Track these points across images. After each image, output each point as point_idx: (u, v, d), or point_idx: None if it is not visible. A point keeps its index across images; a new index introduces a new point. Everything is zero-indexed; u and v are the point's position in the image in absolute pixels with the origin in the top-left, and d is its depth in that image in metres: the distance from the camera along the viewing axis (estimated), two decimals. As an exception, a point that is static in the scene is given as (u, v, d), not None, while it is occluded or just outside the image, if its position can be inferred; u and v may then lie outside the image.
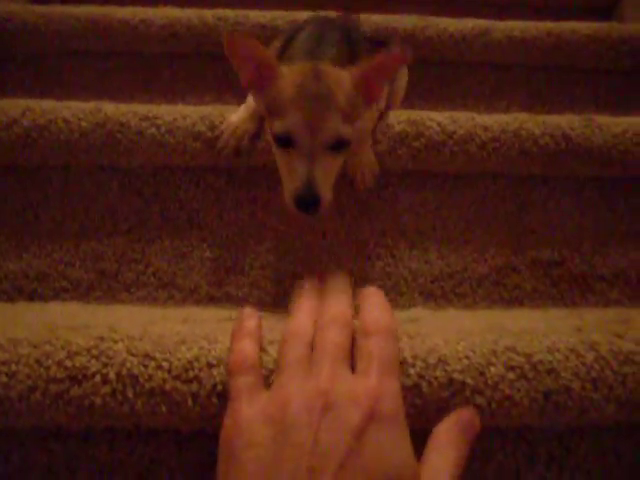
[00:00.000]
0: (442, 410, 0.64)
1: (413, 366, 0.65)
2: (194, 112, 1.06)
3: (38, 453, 0.68)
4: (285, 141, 0.86)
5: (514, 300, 1.07)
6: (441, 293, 1.07)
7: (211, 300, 1.04)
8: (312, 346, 0.64)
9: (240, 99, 1.10)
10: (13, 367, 0.64)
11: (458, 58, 1.55)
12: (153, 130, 1.04)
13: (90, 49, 1.54)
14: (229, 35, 0.86)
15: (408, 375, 0.65)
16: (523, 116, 1.10)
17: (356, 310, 0.70)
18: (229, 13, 1.53)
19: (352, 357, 0.64)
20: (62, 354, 0.64)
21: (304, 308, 0.69)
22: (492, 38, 1.55)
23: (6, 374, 0.63)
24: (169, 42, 1.52)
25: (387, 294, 1.02)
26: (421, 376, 0.65)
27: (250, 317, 0.69)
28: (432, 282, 1.07)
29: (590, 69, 1.60)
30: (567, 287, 1.09)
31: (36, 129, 1.03)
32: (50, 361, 0.64)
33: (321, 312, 0.67)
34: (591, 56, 1.57)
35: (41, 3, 1.74)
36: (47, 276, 1.05)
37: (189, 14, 1.53)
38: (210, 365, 0.64)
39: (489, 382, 0.65)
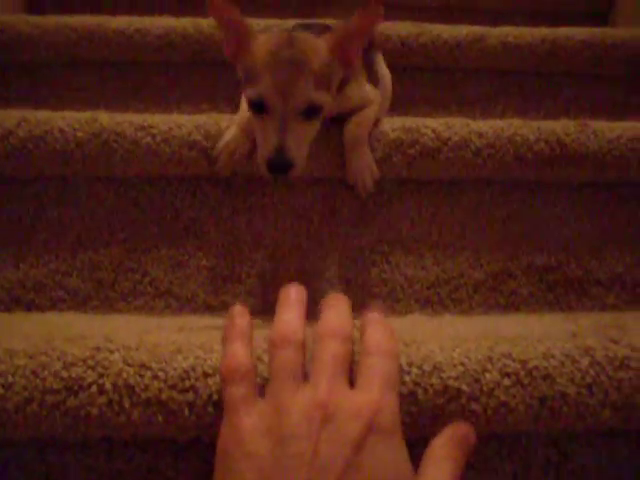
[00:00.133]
0: (438, 417, 0.64)
1: (408, 373, 0.65)
2: (189, 121, 1.06)
3: (35, 464, 0.68)
4: (258, 107, 0.89)
5: (510, 305, 1.08)
6: (437, 299, 1.07)
7: (208, 309, 1.04)
8: (304, 347, 0.63)
9: (235, 108, 1.10)
10: (9, 378, 0.64)
11: (453, 64, 1.56)
12: (149, 140, 1.04)
13: (85, 59, 1.55)
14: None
15: (404, 383, 0.65)
16: (518, 122, 1.10)
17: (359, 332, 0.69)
18: (224, 22, 1.53)
19: (352, 373, 0.63)
20: (58, 365, 0.64)
21: (293, 308, 0.67)
22: (487, 44, 1.56)
23: (2, 385, 0.63)
24: (164, 51, 1.53)
25: (383, 301, 1.04)
26: (417, 383, 0.65)
27: (241, 315, 0.68)
28: (428, 288, 1.07)
29: (585, 74, 1.60)
30: (563, 292, 1.09)
31: (32, 140, 1.04)
32: (46, 372, 0.64)
33: (320, 322, 0.66)
34: (585, 62, 1.58)
35: (36, 13, 1.74)
36: (44, 286, 1.05)
37: (184, 23, 1.53)
38: (206, 375, 0.64)
39: (484, 389, 0.65)
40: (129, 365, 0.65)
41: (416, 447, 0.60)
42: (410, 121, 1.08)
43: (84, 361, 0.65)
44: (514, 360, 0.67)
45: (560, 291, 1.09)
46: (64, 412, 0.63)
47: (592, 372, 0.67)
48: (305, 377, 0.61)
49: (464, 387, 0.65)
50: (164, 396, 0.63)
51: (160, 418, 0.63)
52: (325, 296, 0.71)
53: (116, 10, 1.68)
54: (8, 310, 1.03)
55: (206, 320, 0.99)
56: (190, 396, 0.64)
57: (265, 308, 1.04)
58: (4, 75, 1.52)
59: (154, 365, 0.65)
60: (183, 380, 0.64)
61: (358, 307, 1.01)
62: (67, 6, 1.84)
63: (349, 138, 1.04)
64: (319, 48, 0.93)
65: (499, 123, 1.10)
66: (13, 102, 1.50)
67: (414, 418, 0.65)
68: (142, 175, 1.07)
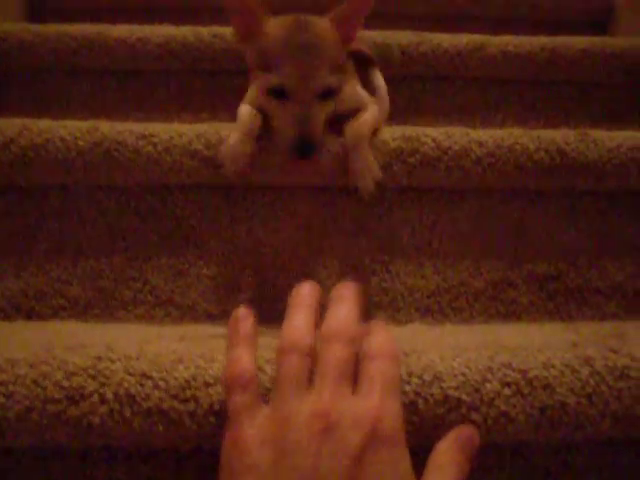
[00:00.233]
0: (438, 427, 0.65)
1: (409, 383, 0.66)
2: (190, 130, 1.06)
3: (36, 473, 0.68)
4: (278, 93, 0.94)
5: (511, 314, 1.08)
6: (438, 308, 1.07)
7: (209, 317, 1.04)
8: (311, 356, 0.62)
9: (234, 116, 1.10)
10: (10, 387, 0.64)
11: (453, 73, 1.56)
12: (150, 148, 1.04)
13: (86, 67, 1.55)
14: None
15: (404, 393, 0.65)
16: (518, 131, 1.11)
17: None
18: (225, 30, 1.53)
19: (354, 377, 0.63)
20: (59, 374, 0.65)
21: (303, 312, 0.66)
22: (487, 53, 1.56)
23: (3, 395, 0.63)
24: (165, 59, 1.53)
25: (384, 310, 1.04)
26: (417, 393, 0.65)
27: (245, 318, 0.68)
28: (428, 297, 1.07)
29: (584, 83, 1.60)
30: (563, 301, 1.09)
31: (33, 148, 1.04)
32: (47, 381, 0.64)
33: (326, 322, 0.66)
34: (585, 70, 1.58)
35: (37, 22, 1.75)
36: (45, 294, 1.05)
37: (185, 32, 1.53)
38: (207, 384, 0.65)
39: (485, 398, 0.65)
40: (130, 374, 0.65)
41: (418, 455, 0.60)
42: (410, 130, 1.09)
43: (85, 370, 0.65)
44: (514, 370, 0.67)
45: (560, 300, 1.09)
46: (65, 421, 0.63)
47: (592, 382, 0.67)
48: (311, 380, 0.61)
49: (464, 397, 0.65)
50: (165, 406, 0.64)
51: (161, 428, 0.64)
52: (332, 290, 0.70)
53: (116, 19, 1.68)
54: (9, 318, 1.03)
55: (207, 329, 0.99)
56: (191, 406, 0.64)
57: (266, 316, 1.03)
58: (6, 82, 1.53)
59: (155, 374, 0.65)
60: (184, 390, 0.64)
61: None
62: (68, 15, 1.85)
63: (350, 137, 1.03)
64: (329, 31, 0.97)
65: (499, 132, 1.10)
66: (15, 109, 1.50)
67: (415, 427, 0.65)
68: (143, 184, 1.07)
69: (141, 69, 1.54)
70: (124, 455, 0.68)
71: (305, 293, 0.69)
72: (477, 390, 0.66)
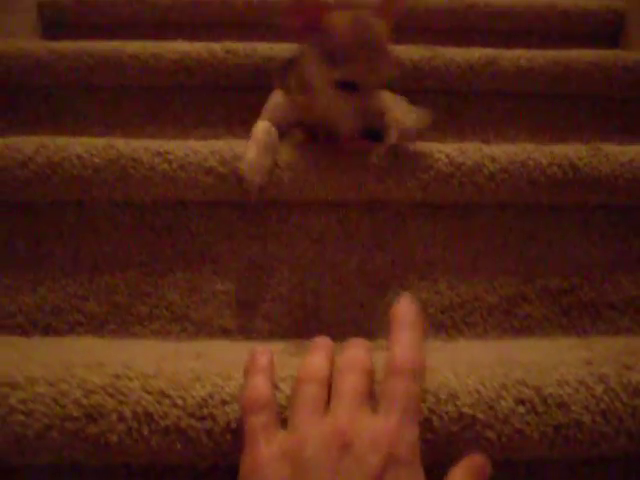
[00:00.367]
0: (453, 444, 0.65)
1: (424, 401, 0.66)
2: (205, 147, 1.07)
3: (55, 489, 0.69)
4: (346, 85, 0.98)
5: (524, 329, 1.08)
6: (451, 323, 1.07)
7: (224, 333, 1.05)
8: (327, 387, 0.63)
9: (249, 130, 1.11)
10: (30, 405, 0.65)
11: (466, 87, 1.57)
12: (165, 166, 1.05)
13: (101, 83, 1.56)
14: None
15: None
16: (530, 146, 1.11)
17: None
18: (238, 46, 1.54)
19: (374, 396, 0.63)
20: (78, 392, 0.65)
21: (320, 351, 0.68)
22: (499, 67, 1.56)
23: (23, 412, 0.64)
24: (179, 75, 1.54)
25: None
26: (432, 411, 0.66)
27: (263, 354, 0.69)
28: (442, 312, 1.08)
29: (597, 96, 1.61)
30: (577, 315, 1.09)
31: (50, 166, 1.05)
32: (66, 399, 0.65)
33: (341, 357, 0.66)
34: (597, 84, 1.58)
35: (53, 39, 1.77)
36: (61, 309, 1.06)
37: (198, 48, 1.54)
38: (224, 402, 0.65)
39: (499, 416, 0.66)
40: (148, 393, 0.65)
41: (432, 472, 0.60)
42: (423, 146, 1.09)
43: (104, 388, 0.66)
44: (529, 387, 0.67)
45: (574, 314, 1.09)
46: (84, 439, 0.64)
47: (606, 399, 0.67)
48: (327, 408, 0.61)
49: (479, 414, 0.66)
50: (183, 424, 0.64)
51: (179, 445, 0.64)
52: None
53: (131, 35, 1.70)
54: (26, 334, 1.04)
55: (223, 344, 0.99)
56: (208, 423, 0.64)
57: (280, 332, 1.05)
58: (23, 99, 1.54)
59: (173, 393, 0.65)
60: (201, 408, 0.65)
61: (372, 331, 1.03)
62: (81, 30, 1.87)
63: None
64: (382, 27, 1.02)
65: (512, 147, 1.11)
66: (32, 126, 1.52)
67: (430, 445, 0.65)
68: (158, 200, 1.08)
69: (155, 85, 1.55)
70: (142, 472, 0.69)
71: (320, 340, 0.71)
72: (492, 407, 0.66)
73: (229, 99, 1.55)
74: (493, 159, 1.08)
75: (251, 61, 1.53)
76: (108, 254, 1.08)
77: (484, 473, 0.62)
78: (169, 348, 0.93)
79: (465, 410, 0.66)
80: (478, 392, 0.67)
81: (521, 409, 0.66)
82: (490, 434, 0.65)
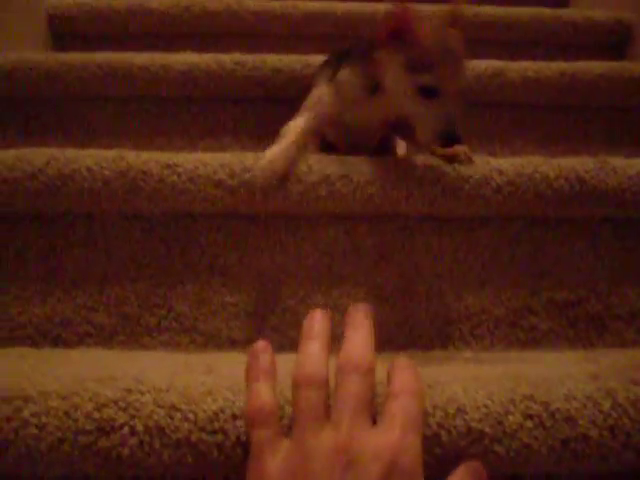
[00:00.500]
0: (461, 459, 0.65)
1: (433, 416, 0.66)
2: (214, 159, 1.08)
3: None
4: (429, 91, 1.02)
5: (531, 341, 1.09)
6: (459, 335, 1.08)
7: (233, 344, 1.05)
8: (327, 386, 0.63)
9: (257, 141, 1.12)
10: (43, 419, 0.65)
11: (473, 99, 1.57)
12: (174, 178, 1.06)
13: (110, 94, 1.58)
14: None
15: (428, 425, 0.66)
16: (538, 159, 1.12)
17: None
18: (247, 57, 1.56)
19: (374, 407, 0.64)
20: (90, 406, 0.66)
21: (315, 344, 0.67)
22: (506, 79, 1.57)
23: (36, 426, 0.65)
24: (188, 86, 1.56)
25: (406, 338, 1.05)
26: (440, 425, 0.66)
27: (263, 352, 0.69)
28: (449, 324, 1.08)
29: (604, 107, 1.62)
30: (583, 327, 1.10)
31: (60, 178, 1.06)
32: (79, 413, 0.65)
33: (342, 351, 0.66)
34: (604, 95, 1.59)
35: (63, 50, 1.78)
36: (71, 321, 1.07)
37: (207, 59, 1.56)
38: (235, 417, 0.66)
39: (507, 430, 0.66)
40: (160, 407, 0.66)
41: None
42: (431, 159, 1.10)
43: (115, 402, 0.66)
44: (536, 402, 0.68)
45: (580, 326, 1.10)
46: (96, 452, 0.64)
47: (614, 414, 0.67)
48: (328, 412, 0.62)
49: (487, 429, 0.66)
50: (194, 437, 0.65)
51: (190, 459, 0.65)
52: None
53: (140, 46, 1.71)
54: (36, 345, 1.05)
55: (233, 356, 1.00)
56: (219, 437, 0.65)
57: (289, 344, 1.05)
58: (32, 110, 1.55)
59: (184, 407, 0.66)
60: (212, 422, 0.65)
61: (382, 344, 1.03)
62: (91, 42, 1.89)
63: None
64: (459, 37, 1.06)
65: (519, 160, 1.11)
66: (41, 136, 1.53)
67: (438, 460, 0.65)
68: (168, 212, 1.09)
69: (164, 96, 1.57)
70: (153, 485, 0.70)
71: (316, 323, 0.70)
72: (500, 422, 0.66)
73: (237, 110, 1.56)
74: (500, 172, 1.09)
75: (260, 73, 1.54)
76: (117, 266, 1.08)
77: (482, 475, 0.62)
78: (179, 361, 0.93)
79: (473, 425, 0.66)
80: (486, 407, 0.67)
81: (529, 424, 0.66)
82: (498, 448, 0.66)
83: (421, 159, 1.10)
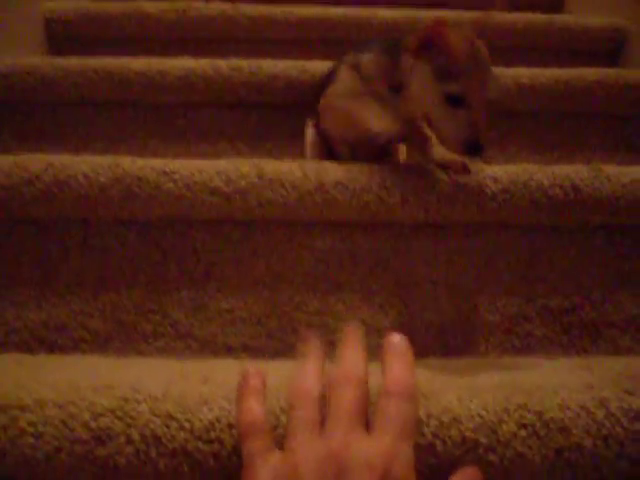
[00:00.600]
0: (455, 468, 0.66)
1: (428, 425, 0.67)
2: (210, 166, 1.08)
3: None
4: (455, 100, 1.02)
5: (525, 348, 1.09)
6: (453, 341, 1.08)
7: (228, 351, 1.06)
8: (321, 402, 0.64)
9: (253, 147, 1.13)
10: (40, 428, 0.65)
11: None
12: (170, 185, 1.06)
13: (106, 99, 1.57)
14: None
15: (423, 434, 0.66)
16: (532, 167, 1.12)
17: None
18: (243, 63, 1.56)
19: (368, 413, 0.64)
20: (87, 415, 0.66)
21: (310, 361, 0.68)
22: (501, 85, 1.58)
23: (33, 435, 0.65)
24: (184, 92, 1.56)
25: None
26: (435, 435, 0.66)
27: (255, 376, 0.69)
28: (444, 331, 1.08)
29: (598, 114, 1.62)
30: (578, 334, 1.10)
31: (56, 184, 1.06)
32: (75, 422, 0.66)
33: (336, 366, 0.67)
34: (598, 102, 1.60)
35: (60, 54, 1.78)
36: (66, 326, 1.07)
37: (203, 64, 1.56)
38: (230, 426, 0.66)
39: (501, 440, 0.66)
40: (156, 416, 0.66)
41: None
42: (426, 167, 1.11)
43: (112, 411, 0.66)
44: (530, 411, 0.68)
45: (575, 333, 1.10)
46: (92, 461, 0.65)
47: (608, 424, 0.68)
48: (321, 425, 0.62)
49: (482, 438, 0.66)
50: (190, 446, 0.65)
51: (186, 468, 0.65)
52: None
53: (137, 51, 1.72)
54: (31, 351, 1.05)
55: (228, 364, 1.00)
56: (215, 447, 0.65)
57: (285, 350, 1.06)
58: (29, 115, 1.55)
59: (180, 416, 0.66)
60: (208, 431, 0.66)
61: (377, 350, 1.03)
62: (88, 46, 1.89)
63: None
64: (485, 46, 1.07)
65: (513, 168, 1.12)
66: (36, 141, 1.53)
67: (433, 469, 0.66)
68: (164, 219, 1.09)
69: (161, 101, 1.57)
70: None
71: (311, 343, 0.71)
72: (494, 431, 0.67)
73: (234, 116, 1.56)
74: (495, 180, 1.09)
75: (256, 78, 1.54)
76: (113, 272, 1.09)
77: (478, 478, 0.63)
78: (175, 368, 0.93)
79: (468, 434, 0.67)
80: (481, 416, 0.68)
81: (523, 433, 0.67)
82: (492, 458, 0.66)
83: (417, 166, 1.11)
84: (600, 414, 0.68)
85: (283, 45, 1.97)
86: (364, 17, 1.97)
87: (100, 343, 1.06)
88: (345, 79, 1.22)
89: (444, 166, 1.12)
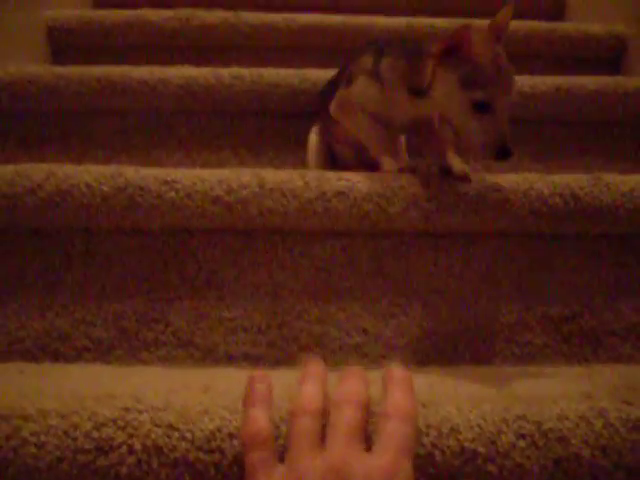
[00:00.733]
0: (454, 478, 0.66)
1: (427, 435, 0.67)
2: (212, 176, 1.09)
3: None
4: (482, 106, 1.04)
5: (525, 356, 1.09)
6: (453, 350, 1.09)
7: (229, 360, 1.06)
8: (322, 417, 0.65)
9: (255, 155, 1.13)
10: (42, 438, 0.66)
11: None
12: (172, 194, 1.07)
13: (108, 107, 1.58)
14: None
15: (422, 444, 0.66)
16: (533, 176, 1.13)
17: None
18: (244, 72, 1.57)
19: (368, 435, 0.65)
20: (89, 425, 0.67)
21: (312, 380, 0.69)
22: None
23: (35, 445, 0.65)
24: (186, 100, 1.56)
25: (401, 353, 1.06)
26: (434, 445, 0.67)
27: (261, 381, 0.70)
28: (444, 339, 1.09)
29: (599, 122, 1.62)
30: (578, 343, 1.10)
31: (59, 194, 1.07)
32: (78, 432, 0.66)
33: (337, 389, 0.68)
34: (599, 110, 1.60)
35: (63, 62, 1.79)
36: (69, 335, 1.07)
37: (205, 73, 1.57)
38: (231, 436, 0.66)
39: (500, 450, 0.67)
40: (157, 426, 0.67)
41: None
42: (427, 176, 1.11)
43: (114, 422, 0.67)
44: (529, 422, 0.68)
45: (575, 342, 1.10)
46: (94, 471, 0.65)
47: (606, 434, 0.68)
48: (323, 442, 0.63)
49: (480, 449, 0.67)
50: (191, 456, 0.66)
51: (187, 478, 0.65)
52: (343, 367, 0.73)
53: (139, 59, 1.72)
54: (35, 360, 1.05)
55: (229, 372, 1.01)
56: (216, 456, 0.66)
57: (285, 359, 1.06)
58: (32, 124, 1.56)
59: (182, 426, 0.67)
60: (209, 441, 0.66)
61: (377, 359, 1.04)
62: (90, 55, 1.90)
63: None
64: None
65: (514, 177, 1.13)
66: (39, 150, 1.54)
67: (431, 479, 0.66)
68: (166, 228, 1.10)
69: (162, 109, 1.58)
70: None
71: (312, 366, 0.72)
72: (493, 442, 0.67)
73: (236, 124, 1.57)
74: (495, 189, 1.10)
75: (257, 87, 1.55)
76: (115, 281, 1.09)
77: None
78: (176, 377, 0.94)
79: (467, 444, 0.67)
80: (480, 426, 0.68)
81: (522, 443, 0.67)
82: (491, 468, 0.66)
83: (417, 176, 1.11)
84: (599, 424, 0.69)
85: (285, 52, 1.97)
86: (364, 25, 1.98)
87: (103, 352, 1.07)
88: (362, 84, 1.22)
89: (448, 171, 1.13)
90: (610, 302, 1.12)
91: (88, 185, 1.07)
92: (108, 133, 1.58)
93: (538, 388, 0.85)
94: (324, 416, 0.65)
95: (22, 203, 1.07)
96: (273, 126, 1.57)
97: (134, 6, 2.00)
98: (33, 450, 0.65)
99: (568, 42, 2.01)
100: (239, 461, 0.66)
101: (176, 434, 0.66)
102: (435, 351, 1.08)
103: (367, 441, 0.64)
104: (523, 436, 0.68)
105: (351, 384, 0.68)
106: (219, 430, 0.67)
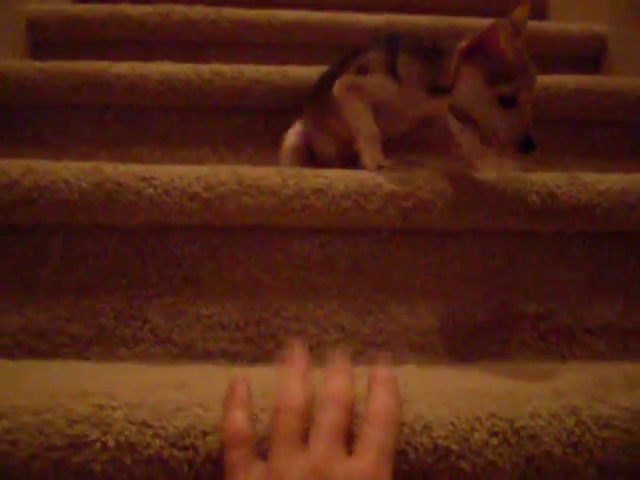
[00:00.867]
0: (427, 475, 0.67)
1: (400, 433, 0.67)
2: (190, 172, 1.09)
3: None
4: (507, 101, 1.07)
5: (502, 353, 1.10)
6: (431, 347, 1.09)
7: (207, 356, 1.06)
8: (305, 416, 0.65)
9: (234, 152, 1.13)
10: (15, 435, 0.65)
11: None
12: (150, 191, 1.06)
13: (87, 103, 1.58)
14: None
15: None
16: (510, 175, 1.13)
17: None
18: (225, 68, 1.56)
19: (351, 436, 0.65)
20: (62, 422, 0.66)
21: (294, 374, 0.69)
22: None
23: (8, 442, 0.65)
24: (166, 96, 1.56)
25: (378, 349, 1.06)
26: (407, 442, 0.67)
27: (241, 383, 0.70)
28: (422, 337, 1.09)
29: (578, 121, 1.63)
30: (554, 340, 1.11)
31: (37, 189, 1.06)
32: (51, 429, 0.66)
33: (324, 385, 0.68)
34: (578, 109, 1.61)
35: (42, 57, 1.78)
36: (47, 332, 1.07)
37: (186, 69, 1.56)
38: (205, 433, 0.66)
39: (473, 447, 0.67)
40: (131, 423, 0.67)
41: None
42: (405, 173, 1.11)
43: (88, 418, 0.67)
44: (502, 419, 0.69)
45: (551, 339, 1.11)
46: (68, 468, 0.65)
47: (578, 431, 0.69)
48: (305, 441, 0.63)
49: (453, 446, 0.67)
50: (165, 454, 0.66)
51: (161, 475, 0.65)
52: (328, 362, 0.73)
53: (119, 55, 1.72)
54: (12, 357, 1.05)
55: (206, 370, 1.01)
56: (190, 454, 0.66)
57: (262, 356, 1.06)
58: (10, 118, 1.55)
59: (155, 423, 0.67)
60: (183, 438, 0.66)
61: (355, 355, 1.04)
62: (70, 50, 1.89)
63: None
64: None
65: (491, 175, 1.13)
66: (17, 145, 1.53)
67: (405, 476, 0.67)
68: (144, 224, 1.09)
69: (142, 105, 1.57)
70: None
71: (295, 356, 0.72)
72: (466, 439, 0.68)
73: (216, 121, 1.57)
74: (473, 187, 1.10)
75: (237, 83, 1.55)
76: (93, 277, 1.09)
77: None
78: (153, 375, 0.94)
79: (440, 442, 0.67)
80: (453, 424, 0.68)
81: (494, 441, 0.68)
82: (464, 465, 0.67)
83: (395, 173, 1.12)
84: (570, 422, 0.69)
85: (266, 49, 1.97)
86: (347, 22, 1.98)
87: (80, 348, 1.06)
88: (379, 79, 1.22)
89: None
90: (586, 300, 1.13)
91: (66, 181, 1.07)
92: (87, 129, 1.57)
93: (512, 386, 0.86)
94: (308, 411, 0.65)
95: (-1, 199, 1.06)
96: (253, 123, 1.57)
97: (114, 1, 1.98)
98: (6, 447, 0.65)
99: (549, 41, 2.03)
100: (212, 458, 0.66)
101: (150, 431, 0.66)
102: (412, 349, 1.09)
103: (349, 442, 0.64)
104: (496, 434, 0.68)
105: (337, 381, 0.68)
106: (193, 427, 0.67)
